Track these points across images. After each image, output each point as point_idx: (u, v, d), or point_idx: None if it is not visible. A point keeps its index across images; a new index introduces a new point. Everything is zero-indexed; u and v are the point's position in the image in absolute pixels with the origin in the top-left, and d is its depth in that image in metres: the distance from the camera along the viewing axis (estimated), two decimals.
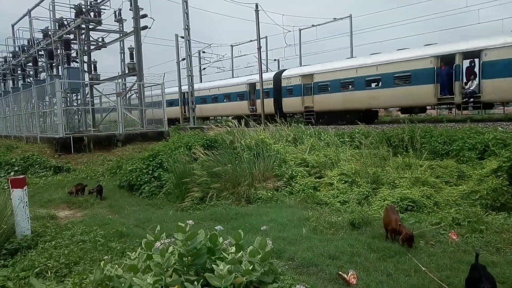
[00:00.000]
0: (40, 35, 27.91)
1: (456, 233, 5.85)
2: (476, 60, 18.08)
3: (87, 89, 24.31)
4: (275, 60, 43.95)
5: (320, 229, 6.51)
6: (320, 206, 8.26)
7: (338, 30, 59.74)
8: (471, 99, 18.01)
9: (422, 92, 18.84)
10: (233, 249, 3.38)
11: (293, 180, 10.04)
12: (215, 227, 6.70)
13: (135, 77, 23.07)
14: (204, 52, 44.21)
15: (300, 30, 39.13)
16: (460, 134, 11.57)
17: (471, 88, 18.07)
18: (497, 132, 11.29)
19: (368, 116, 21.67)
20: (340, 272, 4.53)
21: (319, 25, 37.47)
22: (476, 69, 18.10)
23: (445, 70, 18.61)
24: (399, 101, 20.61)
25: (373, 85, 21.47)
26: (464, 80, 18.60)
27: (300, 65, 34.13)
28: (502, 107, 20.09)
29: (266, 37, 39.27)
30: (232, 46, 45.67)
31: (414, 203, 7.71)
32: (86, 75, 24.80)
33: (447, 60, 18.64)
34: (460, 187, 8.67)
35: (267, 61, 39.97)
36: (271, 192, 9.38)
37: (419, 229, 6.10)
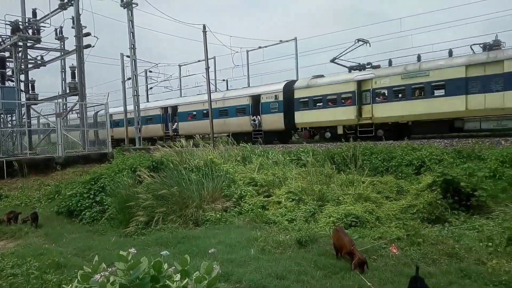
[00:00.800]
0: None
1: (396, 247, 6.13)
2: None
3: (24, 110, 22.87)
4: (223, 80, 44.18)
5: (268, 249, 6.53)
6: (269, 225, 8.31)
7: (284, 52, 61.70)
8: (176, 133, 29.54)
9: (158, 128, 31.58)
10: (179, 276, 3.27)
11: (242, 200, 10.03)
12: (161, 253, 6.46)
13: (77, 97, 22.09)
14: (151, 71, 43.35)
15: (247, 51, 39.81)
16: (399, 151, 12.27)
17: (174, 127, 30.48)
18: (433, 148, 12.14)
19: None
20: None
21: (265, 47, 38.38)
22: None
23: (165, 115, 31.72)
24: (155, 133, 31.48)
25: (148, 121, 32.43)
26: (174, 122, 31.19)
27: (248, 86, 34.79)
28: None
29: (214, 58, 39.41)
30: (180, 66, 45.32)
31: (357, 218, 7.99)
32: (23, 95, 23.36)
33: (166, 110, 31.84)
34: (399, 201, 9.12)
35: (215, 81, 40.08)
36: (220, 213, 9.29)
37: (363, 244, 6.32)
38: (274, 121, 23.99)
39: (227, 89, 33.92)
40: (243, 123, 25.65)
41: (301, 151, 14.13)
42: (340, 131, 20.99)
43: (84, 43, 21.49)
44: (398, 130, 19.48)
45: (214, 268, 3.34)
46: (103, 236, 8.90)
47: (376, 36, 58.97)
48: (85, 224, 10.23)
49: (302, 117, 22.58)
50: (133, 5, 25.75)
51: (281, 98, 23.72)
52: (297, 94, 22.90)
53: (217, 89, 37.15)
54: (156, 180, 10.45)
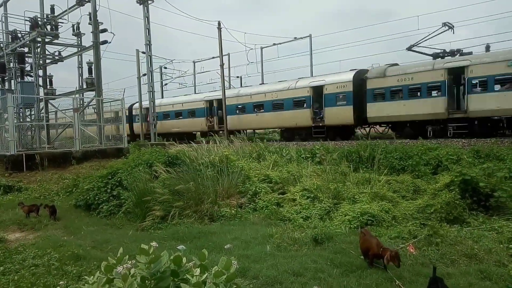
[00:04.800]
0: None
1: (413, 246, 6.07)
2: None
3: (42, 104, 23.29)
4: (237, 77, 44.26)
5: (284, 246, 6.54)
6: (284, 222, 8.31)
7: (299, 49, 61.58)
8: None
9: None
10: (198, 271, 3.30)
11: (257, 196, 10.04)
12: (178, 247, 6.57)
13: (93, 92, 22.41)
14: (165, 67, 43.74)
15: (261, 48, 39.80)
16: (416, 150, 12.12)
17: None
18: (450, 148, 11.96)
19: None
20: None
21: (280, 43, 38.32)
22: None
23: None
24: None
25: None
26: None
27: (262, 82, 34.72)
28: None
29: (228, 54, 39.48)
30: (194, 62, 45.63)
31: (373, 217, 7.92)
32: (41, 90, 23.77)
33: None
34: (416, 201, 9.01)
35: (229, 77, 40.18)
36: (235, 209, 9.33)
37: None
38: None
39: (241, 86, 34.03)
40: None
41: (316, 149, 14.08)
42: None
43: (101, 39, 21.76)
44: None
45: (233, 264, 3.38)
46: (120, 230, 9.02)
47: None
48: (102, 218, 10.38)
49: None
50: (149, 2, 25.96)
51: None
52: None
53: (232, 86, 37.29)
54: (172, 176, 10.54)
